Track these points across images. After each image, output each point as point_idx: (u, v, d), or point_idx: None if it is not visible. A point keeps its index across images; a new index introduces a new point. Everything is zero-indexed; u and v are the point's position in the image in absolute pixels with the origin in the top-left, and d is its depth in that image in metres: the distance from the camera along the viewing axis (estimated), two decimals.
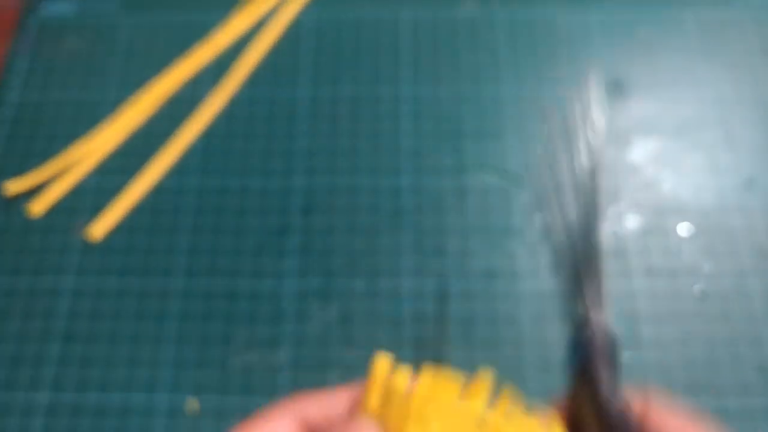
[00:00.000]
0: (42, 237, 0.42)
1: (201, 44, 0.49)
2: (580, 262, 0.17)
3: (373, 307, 0.40)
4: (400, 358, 0.21)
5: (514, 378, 0.31)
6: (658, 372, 0.38)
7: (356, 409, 0.19)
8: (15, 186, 0.43)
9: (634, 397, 0.19)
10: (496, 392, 0.19)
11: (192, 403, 0.37)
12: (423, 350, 0.39)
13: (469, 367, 0.26)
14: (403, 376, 0.19)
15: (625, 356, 0.38)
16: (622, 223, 0.42)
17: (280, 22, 0.50)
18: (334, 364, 0.38)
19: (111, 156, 0.45)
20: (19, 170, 0.44)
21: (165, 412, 0.37)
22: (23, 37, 0.50)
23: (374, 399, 0.19)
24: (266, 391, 0.38)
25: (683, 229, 0.42)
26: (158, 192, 0.44)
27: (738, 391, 0.37)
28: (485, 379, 0.19)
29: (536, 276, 0.41)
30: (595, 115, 0.17)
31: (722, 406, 0.37)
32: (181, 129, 0.46)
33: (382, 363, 0.20)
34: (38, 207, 0.43)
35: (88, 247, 0.42)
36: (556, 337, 0.39)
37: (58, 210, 0.43)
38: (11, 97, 0.47)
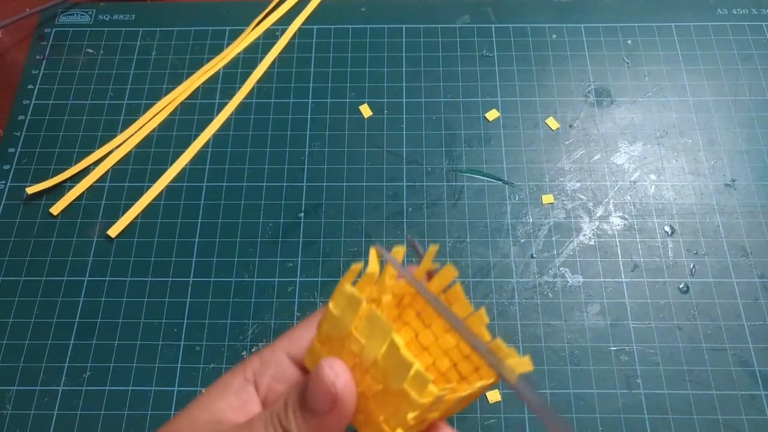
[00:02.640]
0: (60, 236, 0.44)
1: (214, 53, 0.51)
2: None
3: None
4: None
5: None
6: (644, 365, 0.39)
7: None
8: (34, 188, 0.45)
9: None
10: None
11: None
12: None
13: None
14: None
15: (612, 349, 0.40)
16: (609, 223, 0.44)
17: (289, 34, 0.52)
18: None
19: (126, 159, 0.47)
20: (36, 172, 0.46)
21: (177, 404, 0.39)
22: (40, 45, 0.52)
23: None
24: None
25: (667, 228, 0.44)
26: (171, 193, 0.46)
27: (721, 384, 0.39)
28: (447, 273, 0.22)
29: (527, 270, 0.43)
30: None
31: (706, 398, 0.39)
32: (193, 134, 0.48)
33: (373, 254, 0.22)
34: (57, 208, 0.45)
35: (105, 246, 0.44)
36: (548, 332, 0.41)
37: (76, 210, 0.45)
38: (29, 103, 0.49)
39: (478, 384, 0.21)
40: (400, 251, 0.22)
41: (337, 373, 0.19)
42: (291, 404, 0.20)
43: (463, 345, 0.21)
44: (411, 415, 0.19)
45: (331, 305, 0.20)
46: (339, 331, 0.20)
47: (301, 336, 0.23)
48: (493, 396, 0.39)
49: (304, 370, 0.23)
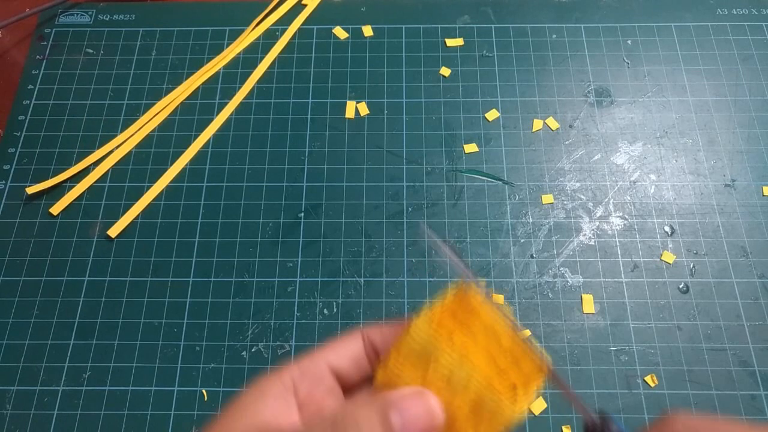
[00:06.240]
0: (60, 236, 0.44)
1: (214, 54, 0.51)
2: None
3: (374, 302, 0.42)
4: None
5: None
6: (644, 364, 0.39)
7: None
8: (34, 188, 0.45)
9: None
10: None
11: (203, 394, 0.39)
12: None
13: None
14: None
15: (612, 349, 0.40)
16: (609, 223, 0.44)
17: (288, 34, 0.52)
18: None
19: (126, 159, 0.47)
20: (36, 172, 0.46)
21: (177, 404, 0.39)
22: (41, 45, 0.52)
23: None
24: None
25: (667, 228, 0.44)
26: (171, 194, 0.46)
27: (721, 384, 0.39)
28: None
29: (527, 270, 0.43)
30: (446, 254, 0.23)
31: (706, 398, 0.39)
32: (193, 134, 0.48)
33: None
34: (57, 208, 0.45)
35: (105, 246, 0.44)
36: (548, 332, 0.41)
37: (76, 210, 0.45)
38: (29, 103, 0.49)
39: (536, 389, 0.22)
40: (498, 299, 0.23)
41: (440, 407, 0.19)
42: (366, 425, 0.19)
43: (500, 360, 0.22)
44: (502, 428, 0.20)
45: (418, 323, 0.21)
46: (428, 348, 0.21)
47: (345, 349, 0.23)
48: (540, 406, 0.39)
49: (342, 383, 0.23)
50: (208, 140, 0.47)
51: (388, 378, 0.21)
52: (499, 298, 0.23)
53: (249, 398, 0.22)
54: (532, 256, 0.43)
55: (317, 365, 0.22)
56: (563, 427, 0.38)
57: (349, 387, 0.23)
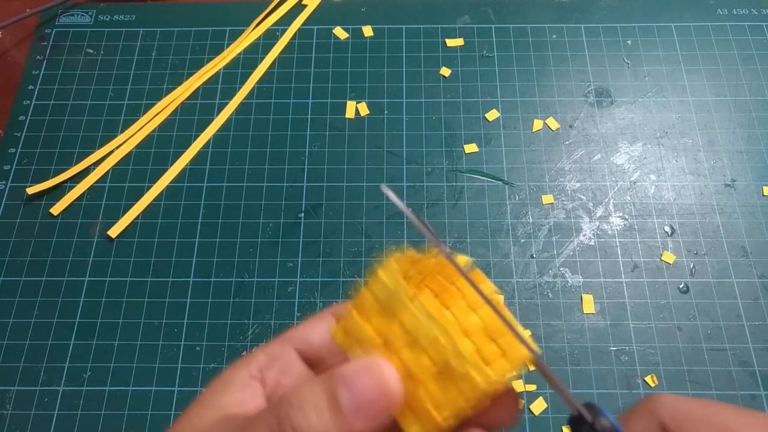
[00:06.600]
0: (60, 236, 0.44)
1: (214, 54, 0.51)
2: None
3: None
4: None
5: None
6: (644, 364, 0.39)
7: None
8: (35, 188, 0.45)
9: None
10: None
11: None
12: None
13: None
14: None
15: (612, 349, 0.40)
16: (609, 223, 0.44)
17: (289, 35, 0.52)
18: None
19: (127, 159, 0.47)
20: (36, 173, 0.46)
21: (177, 404, 0.39)
22: (41, 45, 0.52)
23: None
24: None
25: (667, 228, 0.44)
26: (172, 194, 0.46)
27: (721, 384, 0.39)
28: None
29: (527, 270, 0.43)
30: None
31: (705, 398, 0.38)
32: (193, 134, 0.48)
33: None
34: (57, 208, 0.45)
35: (105, 246, 0.44)
36: (548, 332, 0.41)
37: (76, 211, 0.45)
38: (29, 104, 0.49)
39: (512, 371, 0.19)
40: (463, 259, 0.20)
41: (396, 378, 0.17)
42: (312, 404, 0.17)
43: (489, 327, 0.20)
44: (468, 403, 0.17)
45: (382, 274, 0.19)
46: (391, 303, 0.18)
47: (311, 332, 0.22)
48: (540, 406, 0.38)
49: (313, 367, 0.22)
50: (209, 140, 0.47)
51: (346, 339, 0.19)
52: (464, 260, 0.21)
53: (214, 389, 0.21)
54: (532, 256, 0.43)
55: (284, 350, 0.21)
56: (563, 428, 0.38)
57: (324, 370, 0.21)
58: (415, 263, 0.20)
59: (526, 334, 0.20)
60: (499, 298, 0.20)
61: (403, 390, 0.18)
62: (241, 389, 0.21)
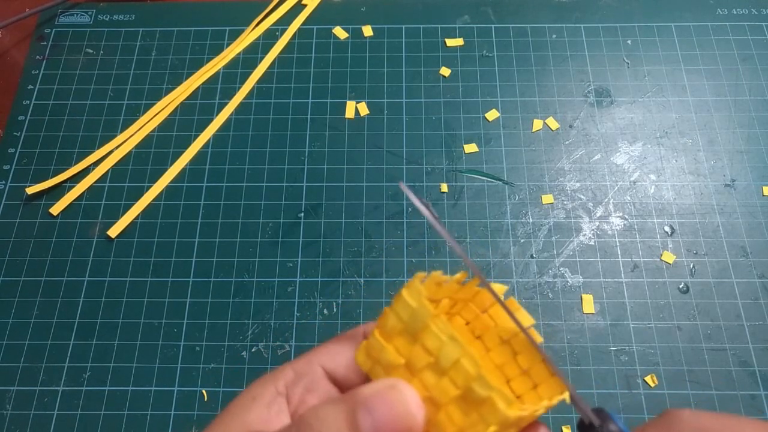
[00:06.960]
0: (60, 236, 0.44)
1: (213, 54, 0.51)
2: None
3: (374, 303, 0.42)
4: None
5: None
6: (644, 364, 0.39)
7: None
8: (34, 188, 0.45)
9: None
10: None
11: (203, 395, 0.39)
12: None
13: None
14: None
15: (612, 349, 0.40)
16: (609, 223, 0.44)
17: (288, 34, 0.52)
18: None
19: (126, 159, 0.47)
20: (36, 173, 0.46)
21: (177, 404, 0.39)
22: (40, 45, 0.52)
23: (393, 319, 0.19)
24: None
25: (667, 228, 0.44)
26: (171, 194, 0.46)
27: (721, 384, 0.39)
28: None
29: (527, 269, 0.43)
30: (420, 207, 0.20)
31: (706, 398, 0.39)
32: (193, 134, 0.48)
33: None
34: (57, 208, 0.45)
35: (105, 246, 0.44)
36: (548, 332, 0.41)
37: (76, 211, 0.45)
38: (29, 103, 0.49)
39: (545, 403, 0.19)
40: (499, 287, 0.20)
41: (418, 403, 0.17)
42: (331, 427, 0.17)
43: (521, 359, 0.19)
44: (490, 430, 0.17)
45: (405, 293, 0.18)
46: (414, 324, 0.18)
47: (340, 351, 0.21)
48: None
49: (340, 386, 0.21)
50: (208, 140, 0.47)
51: (368, 360, 0.19)
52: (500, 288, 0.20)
53: (241, 404, 0.21)
54: (532, 256, 0.43)
55: (312, 368, 0.21)
56: (563, 427, 0.38)
57: (349, 389, 0.21)
58: (440, 285, 0.20)
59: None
60: (532, 328, 0.20)
61: (424, 414, 0.18)
62: (267, 406, 0.20)
